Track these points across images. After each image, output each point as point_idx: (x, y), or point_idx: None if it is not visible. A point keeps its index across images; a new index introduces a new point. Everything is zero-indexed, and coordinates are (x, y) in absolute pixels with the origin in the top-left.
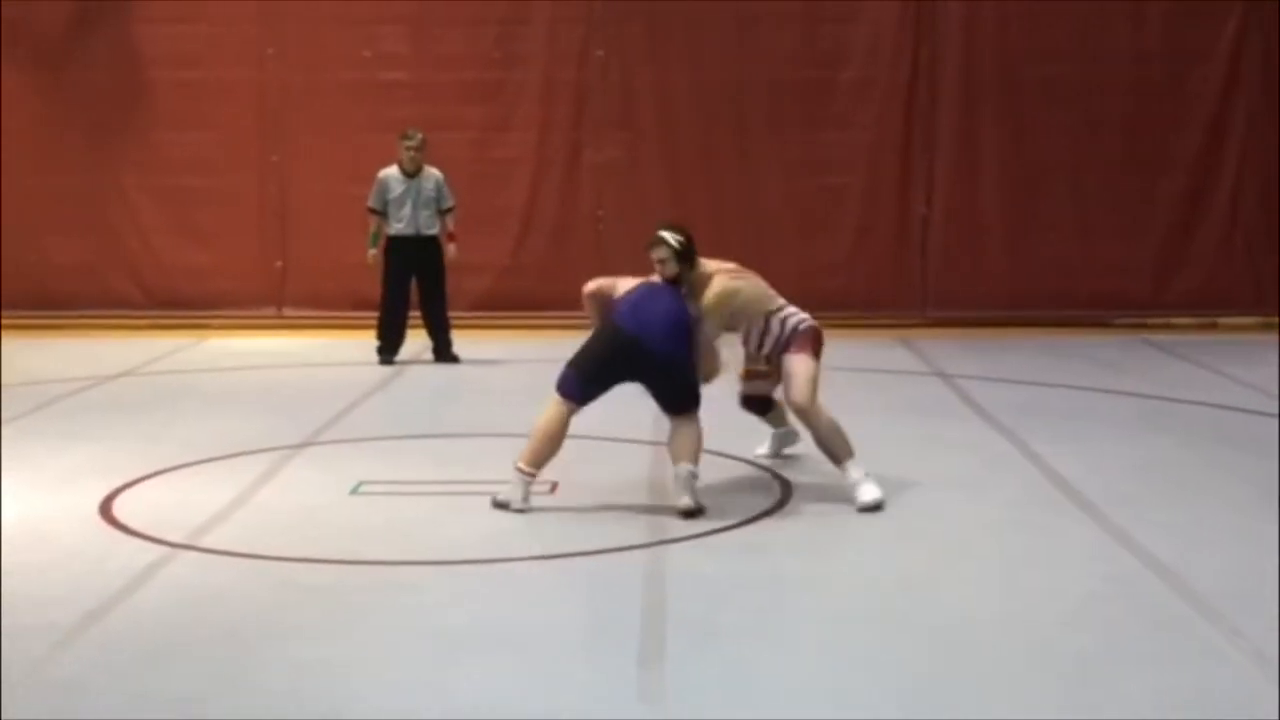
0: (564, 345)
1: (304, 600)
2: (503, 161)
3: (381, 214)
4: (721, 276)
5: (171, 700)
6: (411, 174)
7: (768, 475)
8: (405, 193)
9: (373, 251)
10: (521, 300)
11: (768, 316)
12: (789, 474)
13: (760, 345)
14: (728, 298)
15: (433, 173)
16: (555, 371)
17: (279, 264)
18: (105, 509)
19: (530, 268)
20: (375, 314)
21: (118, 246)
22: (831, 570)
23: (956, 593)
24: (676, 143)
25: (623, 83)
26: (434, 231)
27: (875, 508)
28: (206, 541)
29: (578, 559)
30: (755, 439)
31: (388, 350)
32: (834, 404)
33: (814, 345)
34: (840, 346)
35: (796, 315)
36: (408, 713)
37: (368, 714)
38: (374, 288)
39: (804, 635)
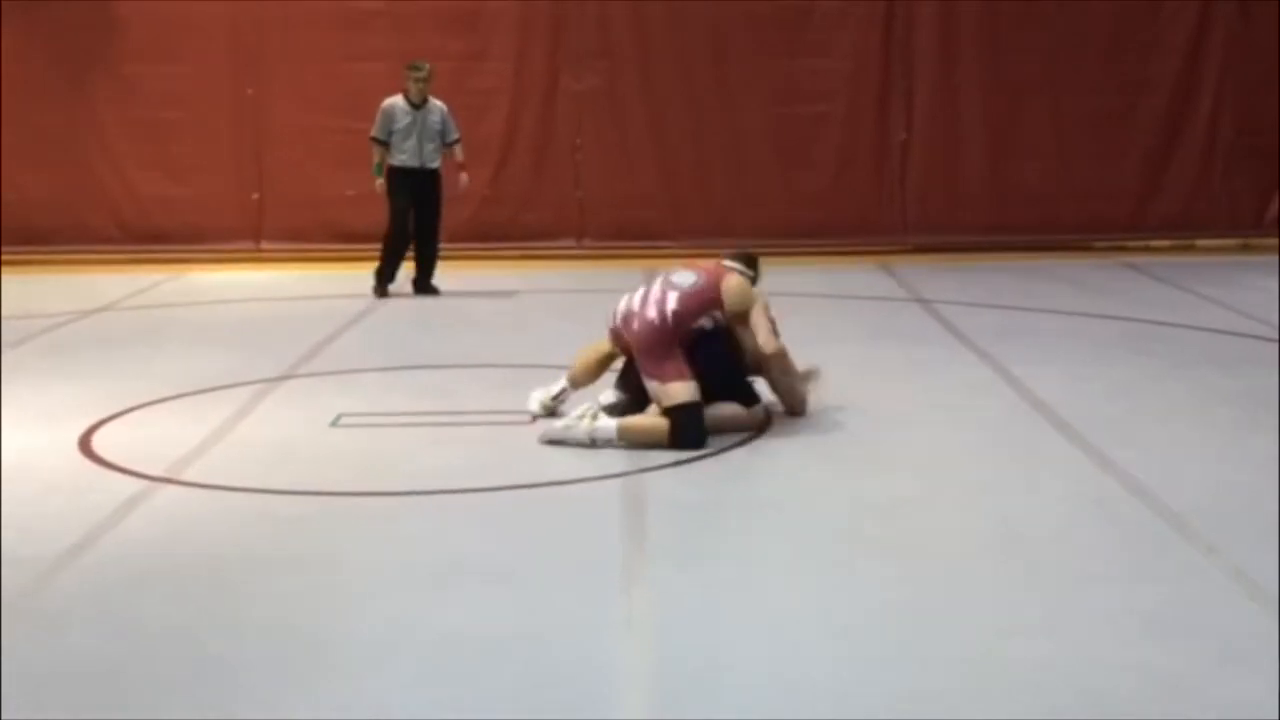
0: (542, 275)
1: (286, 532)
2: (481, 91)
3: (385, 144)
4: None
5: (158, 631)
6: (417, 105)
7: None
8: (411, 125)
9: (380, 180)
10: (501, 231)
11: None
12: (768, 400)
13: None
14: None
15: (437, 105)
16: (535, 301)
17: (255, 197)
18: (85, 443)
19: (509, 197)
20: (353, 246)
21: (94, 181)
22: (811, 495)
23: (937, 515)
24: (655, 71)
25: (600, 11)
26: (437, 165)
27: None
28: (188, 475)
29: (557, 488)
30: None
31: (385, 281)
32: (815, 331)
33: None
34: (821, 273)
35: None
36: (390, 642)
37: (351, 644)
38: (351, 220)
39: (785, 558)
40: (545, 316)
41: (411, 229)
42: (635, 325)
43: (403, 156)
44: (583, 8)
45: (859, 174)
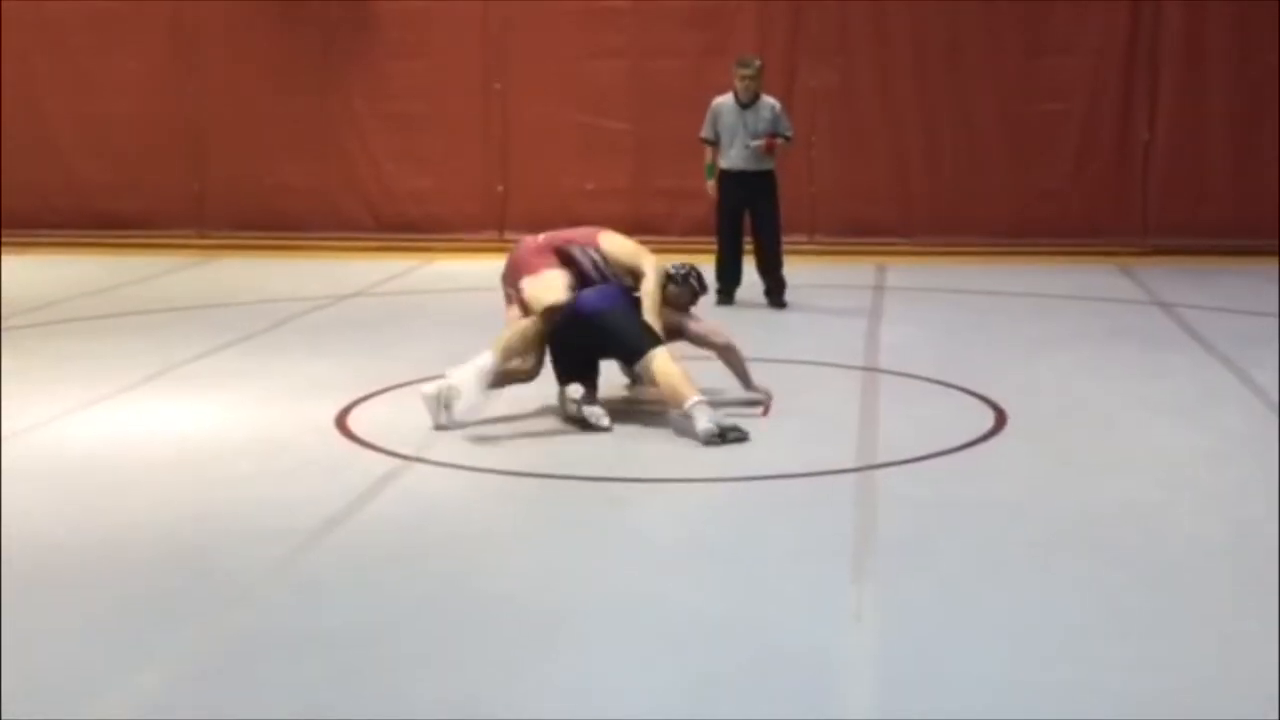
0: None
1: (524, 512)
2: (720, 88)
3: (714, 144)
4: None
5: (406, 602)
6: (745, 104)
7: (980, 402)
8: (736, 124)
9: (710, 183)
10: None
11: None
12: (1003, 401)
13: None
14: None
15: (769, 102)
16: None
17: (500, 188)
18: (341, 421)
19: None
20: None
21: (349, 171)
22: (1045, 496)
23: (1174, 523)
24: (891, 68)
25: (839, 8)
26: (768, 166)
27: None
28: (435, 454)
29: (789, 480)
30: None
31: (724, 294)
32: (1052, 331)
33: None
34: (1059, 274)
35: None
36: (623, 620)
37: (582, 622)
38: (590, 213)
39: (1017, 559)
40: (776, 311)
41: (742, 237)
42: (515, 255)
43: (729, 159)
44: (822, 5)
45: (1098, 173)
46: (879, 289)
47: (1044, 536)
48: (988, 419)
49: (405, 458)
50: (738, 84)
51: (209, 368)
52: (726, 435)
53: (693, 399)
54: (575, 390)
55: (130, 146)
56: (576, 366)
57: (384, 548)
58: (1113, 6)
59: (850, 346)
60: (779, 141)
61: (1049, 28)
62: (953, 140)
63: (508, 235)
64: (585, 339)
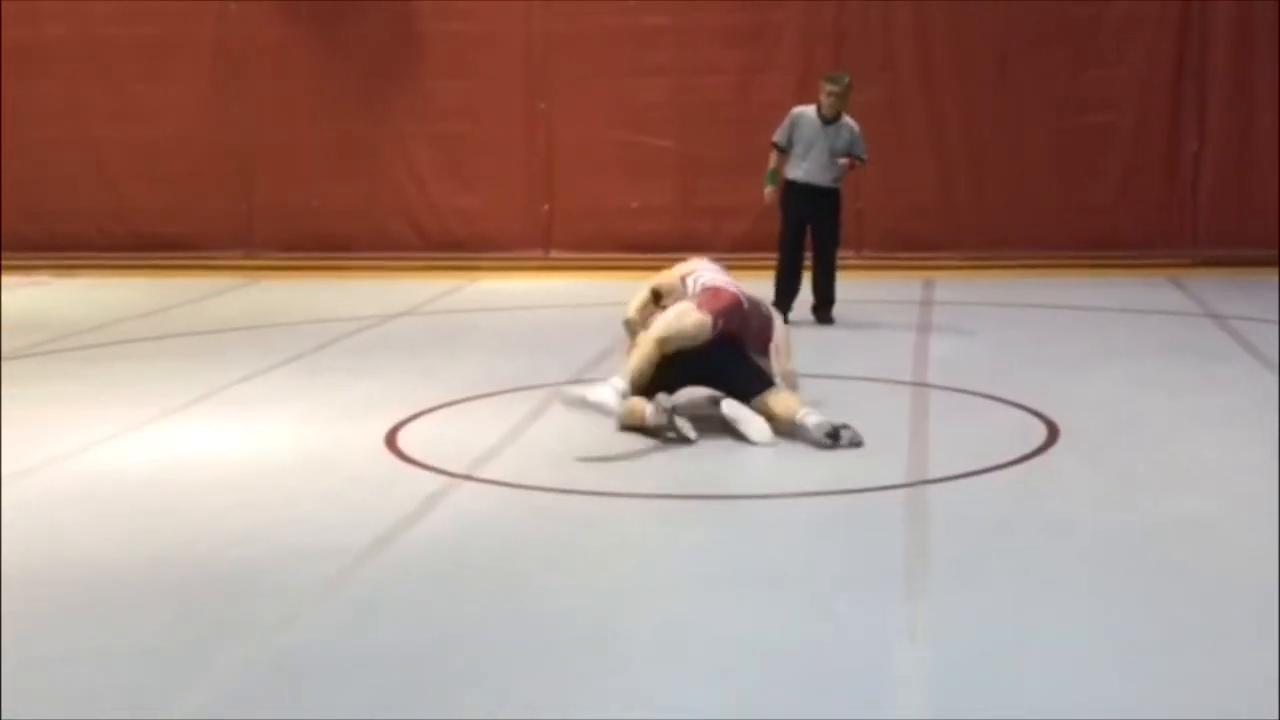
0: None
1: (573, 531)
2: (763, 104)
3: (784, 151)
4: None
5: (455, 622)
6: (828, 120)
7: (1032, 417)
8: (814, 138)
9: (769, 189)
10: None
11: (683, 278)
12: (1055, 416)
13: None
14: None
15: (849, 124)
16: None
17: (546, 207)
18: (390, 440)
19: None
20: (638, 255)
21: (395, 191)
22: (1101, 512)
23: (1231, 537)
24: (936, 82)
25: (883, 22)
26: (836, 185)
27: (574, 402)
28: (485, 473)
29: (839, 496)
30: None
31: (781, 306)
32: (1105, 345)
33: (704, 299)
34: (1110, 287)
35: (708, 278)
36: (673, 641)
37: (635, 640)
38: (635, 231)
39: (1074, 576)
40: (824, 327)
41: (804, 250)
42: (747, 308)
43: (799, 171)
44: (866, 19)
45: (1148, 185)
46: (926, 304)
47: (1099, 552)
48: (1040, 434)
49: (455, 475)
50: (823, 99)
51: (257, 389)
52: (840, 435)
53: (801, 411)
54: (667, 400)
55: (178, 170)
56: (671, 385)
57: (434, 566)
58: (1160, 19)
59: (899, 362)
60: (856, 163)
61: (1096, 40)
62: (999, 154)
63: (553, 254)
64: (700, 368)
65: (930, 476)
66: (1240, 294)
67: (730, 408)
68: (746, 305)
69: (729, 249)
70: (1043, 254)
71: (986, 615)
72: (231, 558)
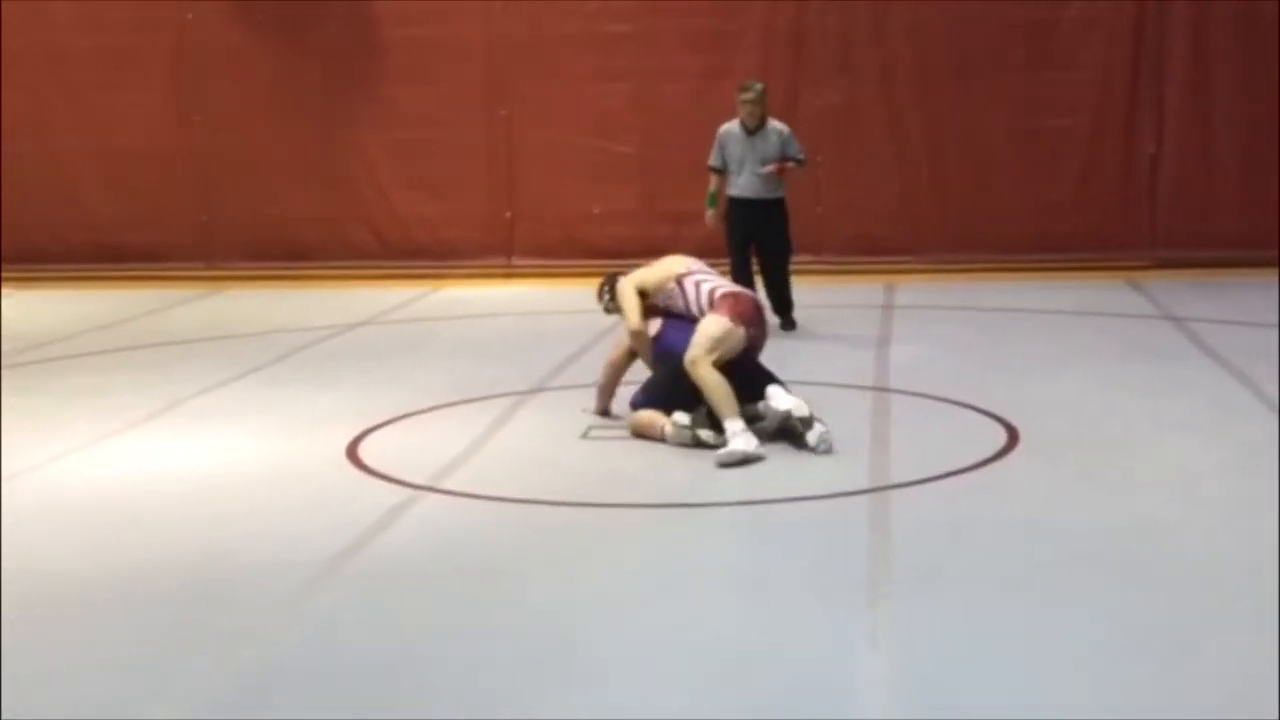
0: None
1: (539, 541)
2: (724, 110)
3: (720, 172)
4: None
5: (421, 634)
6: (751, 130)
7: (992, 421)
8: (743, 152)
9: (710, 212)
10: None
11: (679, 279)
12: (1015, 419)
13: (683, 307)
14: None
15: (776, 128)
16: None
17: (508, 214)
18: (352, 451)
19: None
20: (601, 263)
21: (355, 198)
22: (1059, 515)
23: (1190, 538)
24: (895, 87)
25: (841, 25)
26: (777, 194)
27: (739, 462)
28: (448, 484)
29: (802, 503)
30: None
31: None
32: (1064, 348)
33: (731, 309)
34: (1069, 289)
35: (714, 282)
36: (640, 650)
37: (600, 652)
38: (599, 237)
39: (1034, 579)
40: (785, 333)
41: (750, 264)
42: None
43: (735, 188)
44: (824, 23)
45: (1105, 188)
46: (888, 308)
47: (1059, 555)
48: (1000, 437)
49: (417, 487)
50: (741, 109)
51: (219, 401)
52: (813, 424)
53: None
54: (682, 418)
55: (138, 179)
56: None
57: (398, 579)
58: (1117, 21)
59: (860, 367)
60: (789, 165)
61: (1053, 44)
62: (959, 157)
63: (515, 261)
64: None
65: (892, 481)
66: (1198, 296)
67: (779, 398)
68: (759, 307)
69: (691, 254)
70: (1003, 257)
71: (949, 619)
72: (196, 572)
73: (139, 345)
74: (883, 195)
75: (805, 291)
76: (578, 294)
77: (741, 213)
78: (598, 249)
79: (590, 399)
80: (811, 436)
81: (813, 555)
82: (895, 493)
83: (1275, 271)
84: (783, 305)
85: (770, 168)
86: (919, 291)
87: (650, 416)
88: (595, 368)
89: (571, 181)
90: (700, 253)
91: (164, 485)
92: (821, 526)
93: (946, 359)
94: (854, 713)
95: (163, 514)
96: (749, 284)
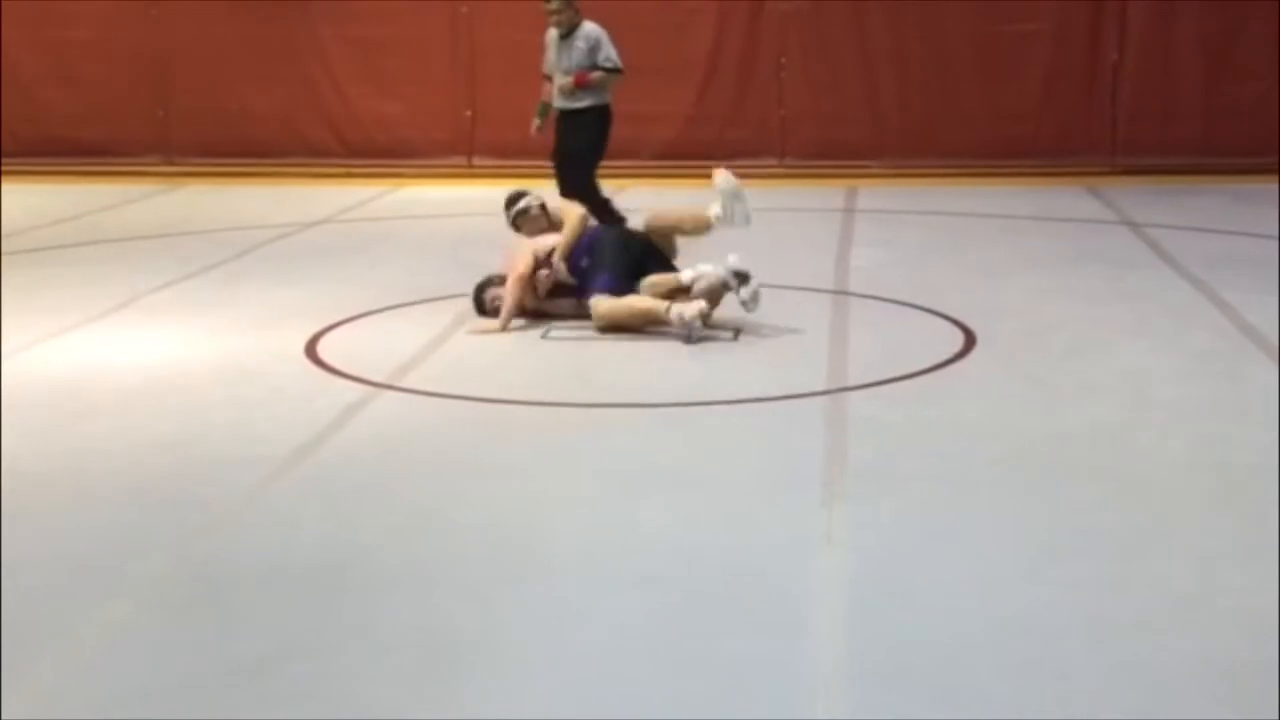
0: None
1: (497, 439)
2: (685, 10)
3: (551, 79)
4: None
5: (377, 530)
6: (563, 35)
7: (950, 325)
8: (558, 59)
9: (536, 122)
10: (704, 149)
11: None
12: (972, 323)
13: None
14: None
15: (587, 31)
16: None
17: (468, 113)
18: (310, 349)
19: (713, 116)
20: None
21: (314, 97)
22: (1012, 418)
23: (1141, 441)
24: None
25: None
26: (581, 104)
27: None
28: (406, 382)
29: (757, 404)
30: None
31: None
32: (1020, 253)
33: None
34: (1029, 195)
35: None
36: (594, 546)
37: (558, 546)
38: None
39: (985, 481)
40: (745, 235)
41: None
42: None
43: (555, 96)
44: None
45: (1068, 94)
46: (849, 212)
47: (1013, 456)
48: (957, 341)
49: (376, 385)
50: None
51: (176, 297)
52: (748, 278)
53: (665, 305)
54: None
55: (93, 73)
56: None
57: (355, 476)
58: None
59: (820, 270)
60: (594, 76)
61: None
62: (922, 62)
63: (476, 161)
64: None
65: (849, 384)
66: (1157, 203)
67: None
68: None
69: (654, 156)
70: (965, 162)
71: (902, 519)
72: (151, 467)
73: (94, 241)
74: (845, 99)
75: (767, 195)
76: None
77: (557, 123)
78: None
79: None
80: (745, 291)
81: (769, 456)
82: (852, 394)
83: (1235, 179)
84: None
85: (567, 80)
86: (880, 195)
87: (629, 301)
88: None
89: (533, 82)
90: (661, 155)
91: (121, 380)
92: (778, 428)
93: (907, 263)
94: (808, 607)
95: (119, 408)
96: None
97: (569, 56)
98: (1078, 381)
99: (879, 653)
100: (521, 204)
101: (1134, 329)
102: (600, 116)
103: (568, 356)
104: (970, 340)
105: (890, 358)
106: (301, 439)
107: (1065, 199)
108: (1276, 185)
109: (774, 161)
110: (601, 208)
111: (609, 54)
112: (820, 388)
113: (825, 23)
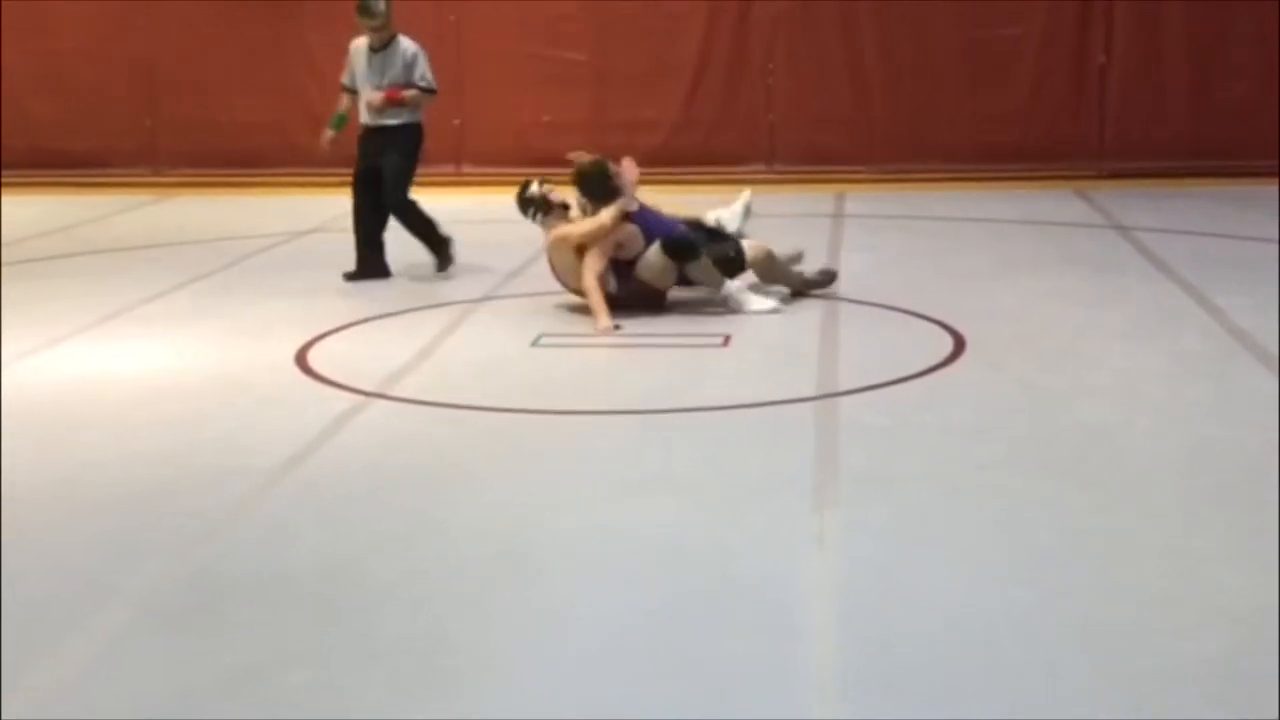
0: (732, 200)
1: (488, 447)
2: (674, 16)
3: (353, 92)
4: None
5: (369, 538)
6: (375, 48)
7: (940, 329)
8: (368, 73)
9: (329, 134)
10: (692, 154)
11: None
12: (962, 327)
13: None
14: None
15: (404, 47)
16: None
17: (457, 122)
18: (301, 359)
19: (701, 121)
20: (551, 171)
21: (302, 104)
22: (1003, 422)
23: (1131, 444)
24: None
25: None
26: (395, 120)
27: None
28: (398, 390)
29: (749, 410)
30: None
31: (356, 271)
32: (1009, 257)
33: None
34: (1015, 199)
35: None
36: (587, 550)
37: (551, 551)
38: (549, 145)
39: (976, 485)
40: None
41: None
42: None
43: (361, 112)
44: None
45: (1055, 97)
46: (838, 216)
47: (1003, 460)
48: (947, 345)
49: (366, 394)
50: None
51: (167, 307)
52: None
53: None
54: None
55: (81, 83)
56: None
57: (346, 484)
58: None
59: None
60: (408, 95)
61: None
62: (910, 66)
63: (465, 169)
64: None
65: (840, 388)
66: (1145, 206)
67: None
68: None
69: (643, 163)
70: (953, 166)
71: (893, 523)
72: (144, 478)
73: (85, 251)
74: (834, 104)
75: (757, 200)
76: None
77: (362, 141)
78: (547, 157)
79: (547, 309)
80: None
81: (761, 461)
82: (843, 399)
83: (1222, 181)
84: (370, 239)
85: (378, 96)
86: (869, 200)
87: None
88: (546, 276)
89: (522, 89)
90: (650, 161)
91: (112, 391)
92: (769, 432)
93: (895, 267)
94: (799, 611)
95: (111, 419)
96: (359, 222)
97: (382, 72)
98: (1067, 385)
99: (870, 656)
100: (532, 189)
101: (1123, 332)
102: (412, 135)
103: (558, 363)
104: (960, 344)
105: (881, 362)
106: (293, 448)
107: (1053, 202)
108: (1264, 187)
109: (762, 167)
110: (426, 225)
111: (424, 73)
112: (811, 392)
113: (813, 27)
